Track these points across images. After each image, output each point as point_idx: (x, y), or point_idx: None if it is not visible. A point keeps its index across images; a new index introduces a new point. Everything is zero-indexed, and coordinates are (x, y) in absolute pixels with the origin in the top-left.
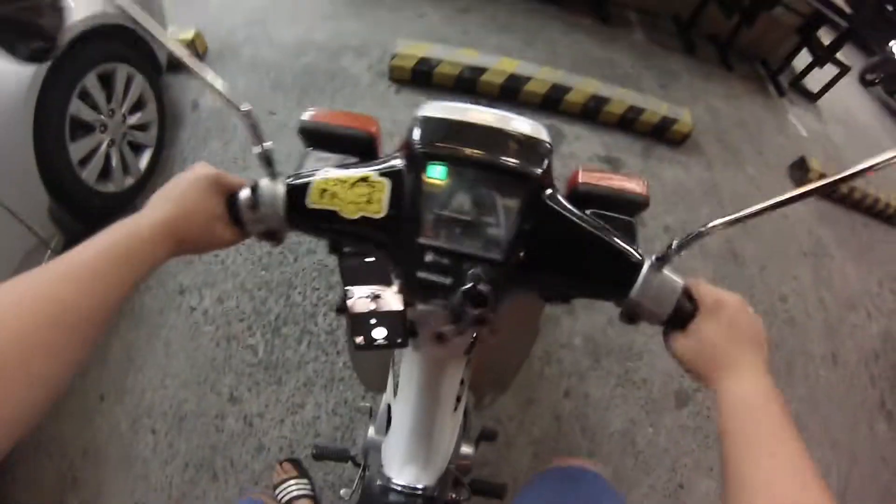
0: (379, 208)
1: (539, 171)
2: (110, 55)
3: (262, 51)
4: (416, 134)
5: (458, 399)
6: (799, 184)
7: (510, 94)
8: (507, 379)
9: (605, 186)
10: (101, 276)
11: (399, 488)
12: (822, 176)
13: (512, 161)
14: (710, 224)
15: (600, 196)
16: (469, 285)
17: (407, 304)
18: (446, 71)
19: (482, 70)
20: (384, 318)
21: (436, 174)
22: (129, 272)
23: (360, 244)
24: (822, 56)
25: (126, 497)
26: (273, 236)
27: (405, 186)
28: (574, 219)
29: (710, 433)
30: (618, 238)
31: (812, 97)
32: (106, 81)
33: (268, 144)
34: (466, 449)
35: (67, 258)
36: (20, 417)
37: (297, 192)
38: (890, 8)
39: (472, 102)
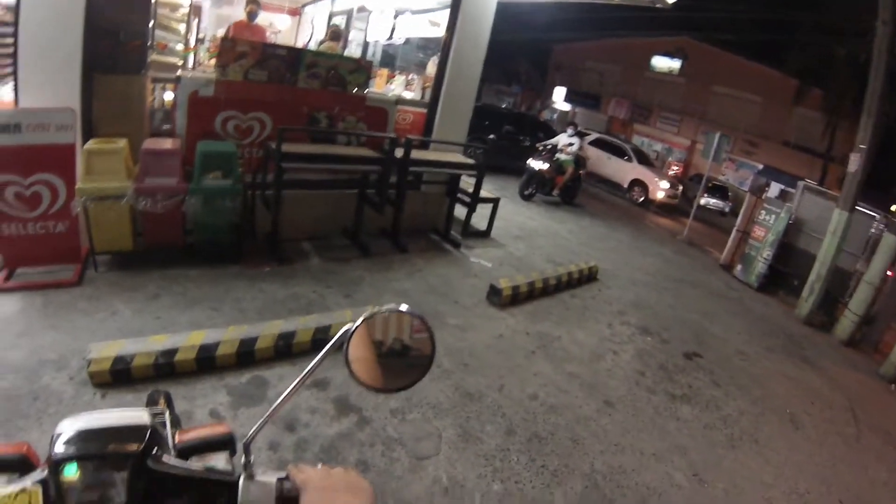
0: None
1: (136, 448)
2: None
3: None
4: (52, 448)
5: None
6: (501, 307)
7: (206, 363)
8: None
9: (195, 437)
10: None
11: None
12: (514, 288)
13: (115, 448)
14: (249, 434)
15: (195, 446)
16: None
17: None
18: (142, 362)
19: (174, 351)
20: None
21: (69, 473)
22: None
23: None
24: (471, 202)
25: None
26: None
27: (51, 487)
28: (172, 472)
29: None
30: (209, 472)
31: (485, 234)
32: None
33: None
34: None
35: None
36: None
37: None
38: (521, 137)
39: (159, 390)
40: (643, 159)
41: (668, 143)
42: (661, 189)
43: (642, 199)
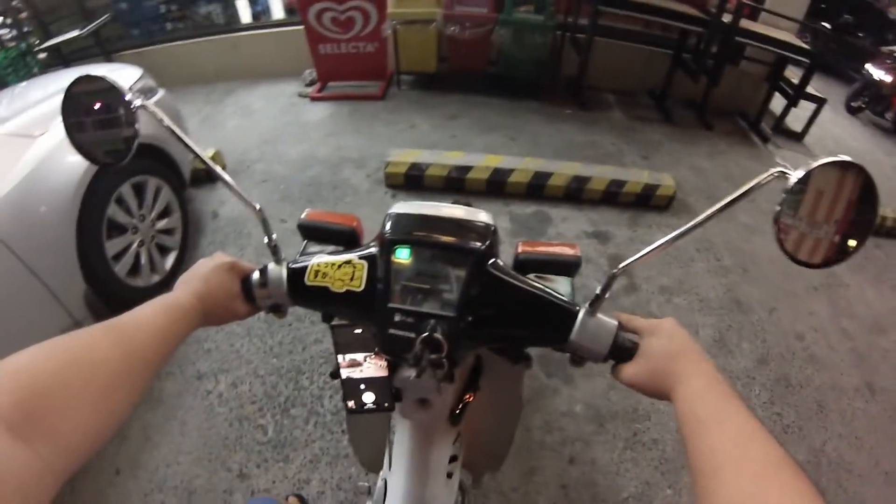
0: (360, 284)
1: (479, 246)
2: (143, 169)
3: (272, 167)
4: (387, 227)
5: (450, 475)
6: None
7: (496, 187)
8: (499, 454)
9: (542, 252)
10: (159, 334)
11: None
12: None
13: (457, 241)
14: (620, 265)
15: (538, 261)
16: (426, 334)
17: (391, 370)
18: (436, 173)
19: (468, 168)
20: (372, 383)
21: (401, 255)
22: (175, 334)
23: (346, 313)
24: (794, 95)
25: None
26: (278, 309)
27: (379, 266)
28: (513, 281)
29: None
30: (553, 294)
31: (797, 136)
32: (139, 191)
33: (274, 236)
34: None
35: (130, 317)
36: (87, 446)
37: (296, 274)
38: (860, 34)
39: (460, 199)
40: None
41: None
42: None
43: None
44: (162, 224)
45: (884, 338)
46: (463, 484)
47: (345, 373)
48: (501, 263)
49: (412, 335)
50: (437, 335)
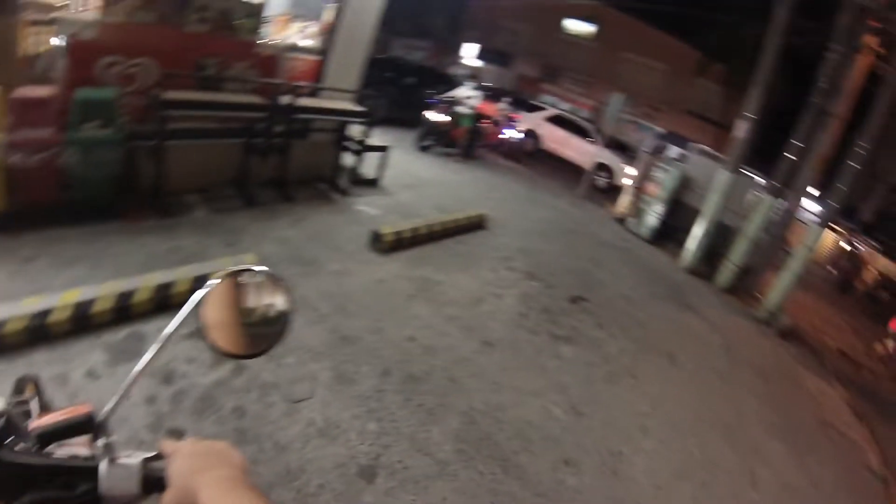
0: None
1: None
2: None
3: None
4: None
5: None
6: (382, 253)
7: (83, 322)
8: None
9: (52, 422)
10: None
11: None
12: (396, 234)
13: None
14: (106, 407)
15: (55, 431)
16: None
17: None
18: (14, 327)
19: (48, 312)
20: None
21: None
22: None
23: None
24: (360, 149)
25: None
26: None
27: None
28: (28, 461)
29: None
30: (69, 458)
31: (373, 183)
32: None
33: None
34: None
35: None
36: None
37: None
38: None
39: (28, 374)
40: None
41: (574, 104)
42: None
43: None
44: None
45: (483, 305)
46: None
47: None
48: (18, 447)
49: None
50: None
